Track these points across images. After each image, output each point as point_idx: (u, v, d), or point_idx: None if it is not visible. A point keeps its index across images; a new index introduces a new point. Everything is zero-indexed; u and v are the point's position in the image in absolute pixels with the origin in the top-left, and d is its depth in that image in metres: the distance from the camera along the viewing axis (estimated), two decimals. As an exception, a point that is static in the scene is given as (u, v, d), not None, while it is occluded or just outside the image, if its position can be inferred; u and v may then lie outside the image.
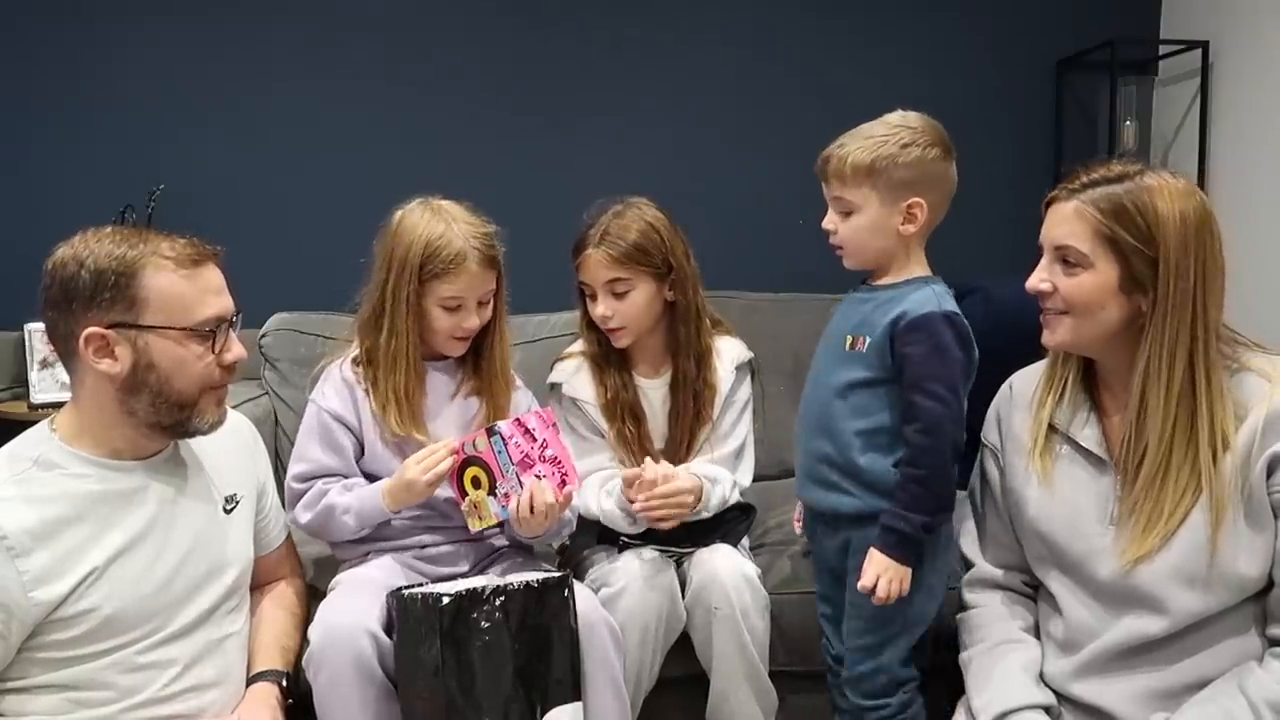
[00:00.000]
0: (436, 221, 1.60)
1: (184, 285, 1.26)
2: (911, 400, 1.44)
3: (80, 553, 1.23)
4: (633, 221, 1.72)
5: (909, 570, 1.43)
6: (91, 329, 1.23)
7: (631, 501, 1.63)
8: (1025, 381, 1.45)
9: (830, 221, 1.51)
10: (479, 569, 1.68)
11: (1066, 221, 1.27)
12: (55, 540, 1.22)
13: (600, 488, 1.73)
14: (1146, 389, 1.25)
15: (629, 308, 1.72)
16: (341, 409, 1.65)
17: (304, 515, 1.62)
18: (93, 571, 1.23)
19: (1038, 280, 1.31)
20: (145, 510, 1.30)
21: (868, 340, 1.47)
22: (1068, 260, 1.28)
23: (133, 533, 1.28)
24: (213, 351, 1.29)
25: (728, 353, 1.82)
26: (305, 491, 1.62)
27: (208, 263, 1.30)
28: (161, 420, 1.29)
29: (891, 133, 1.45)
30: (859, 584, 1.44)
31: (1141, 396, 1.25)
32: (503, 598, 1.43)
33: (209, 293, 1.29)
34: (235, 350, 1.32)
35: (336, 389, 1.66)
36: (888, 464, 1.47)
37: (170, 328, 1.25)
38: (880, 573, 1.42)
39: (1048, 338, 1.34)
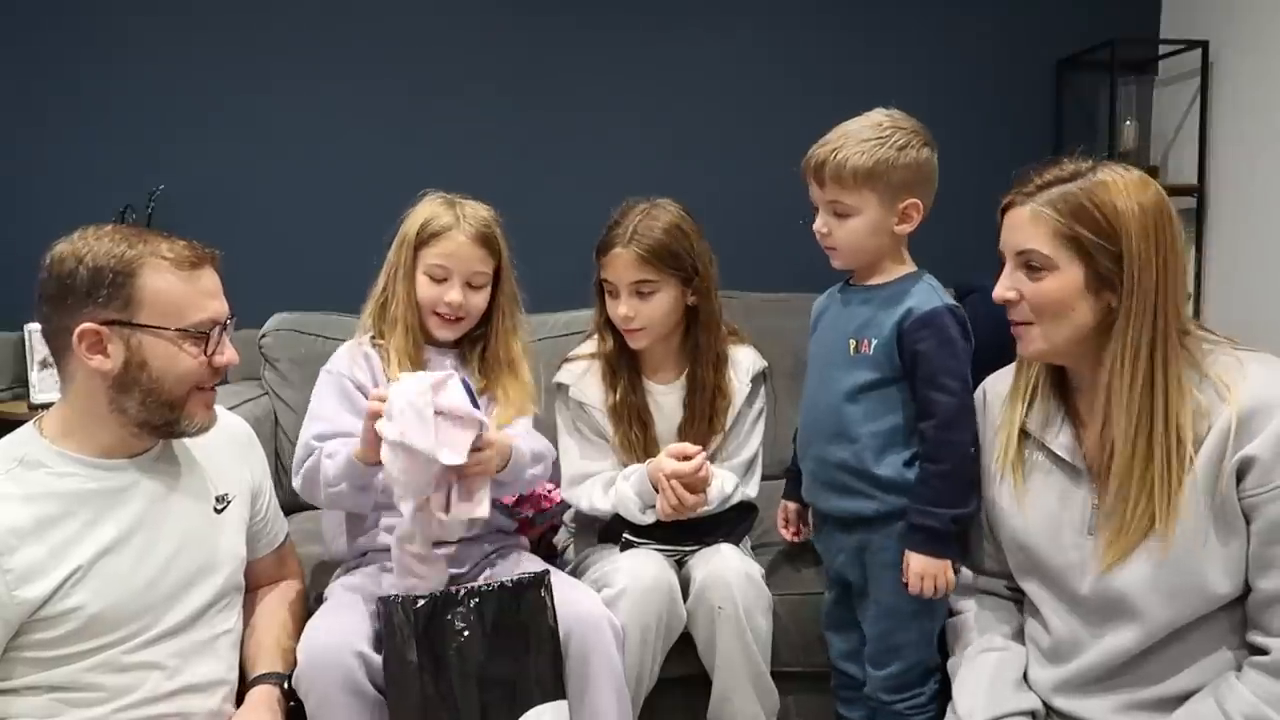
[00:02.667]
0: (443, 205, 1.68)
1: (181, 287, 1.27)
2: (926, 396, 1.45)
3: (65, 551, 1.23)
4: (662, 223, 1.71)
5: (948, 563, 1.44)
6: (86, 324, 1.23)
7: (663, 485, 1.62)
8: (996, 383, 1.45)
9: (824, 224, 1.50)
10: (476, 570, 1.67)
11: (1025, 226, 1.26)
12: (40, 538, 1.22)
13: (608, 488, 1.73)
14: (1111, 388, 1.23)
15: (652, 309, 1.71)
16: (363, 378, 1.66)
17: (296, 480, 1.59)
18: (78, 570, 1.23)
19: (1003, 290, 1.30)
20: (132, 508, 1.29)
21: (874, 342, 1.48)
22: (1031, 265, 1.26)
23: (119, 531, 1.27)
24: (204, 354, 1.29)
25: (743, 362, 1.82)
26: (312, 452, 1.58)
27: (205, 265, 1.30)
28: (151, 419, 1.29)
29: (885, 134, 1.45)
30: (908, 589, 1.45)
31: (1107, 396, 1.23)
32: (477, 599, 1.44)
33: (205, 295, 1.29)
34: (228, 354, 1.32)
35: (357, 361, 1.67)
36: (901, 462, 1.48)
37: (164, 328, 1.26)
38: (921, 572, 1.44)
39: (1022, 348, 1.32)
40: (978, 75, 2.89)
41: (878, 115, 1.49)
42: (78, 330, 1.23)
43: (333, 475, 1.53)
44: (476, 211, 1.68)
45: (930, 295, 1.48)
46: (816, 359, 1.59)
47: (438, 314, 1.66)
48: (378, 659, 1.41)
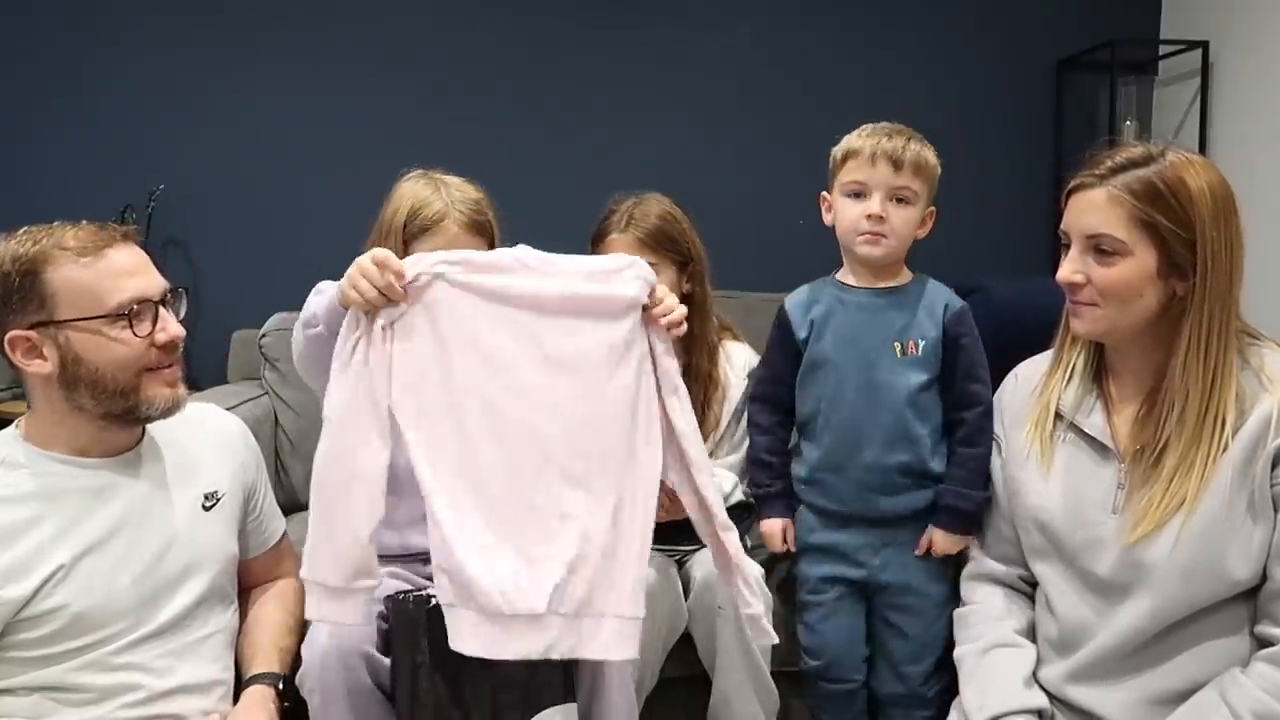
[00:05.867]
0: (426, 186, 1.60)
1: (88, 274, 1.23)
2: (967, 388, 1.52)
3: (46, 550, 1.23)
4: (656, 210, 1.74)
5: (970, 538, 1.53)
6: (13, 333, 1.22)
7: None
8: (1030, 369, 1.45)
9: (883, 208, 1.52)
10: None
11: (1099, 209, 1.23)
12: (21, 538, 1.22)
13: None
14: (1188, 377, 1.22)
15: None
16: None
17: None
18: (59, 569, 1.23)
19: (1070, 272, 1.27)
20: (114, 507, 1.29)
21: (921, 343, 1.53)
22: (1102, 249, 1.24)
23: (101, 530, 1.27)
24: (137, 334, 1.25)
25: (737, 357, 1.81)
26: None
27: (114, 245, 1.26)
28: (110, 410, 1.27)
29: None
30: (921, 552, 1.56)
31: (1182, 383, 1.22)
32: None
33: (119, 276, 1.25)
34: (170, 330, 1.28)
35: None
36: (946, 454, 1.55)
37: (85, 319, 1.23)
38: (945, 549, 1.54)
39: (1078, 325, 1.30)
40: (978, 75, 2.89)
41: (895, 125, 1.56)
42: (7, 340, 1.23)
43: (311, 313, 1.33)
44: (465, 194, 1.60)
45: (949, 292, 1.57)
46: (845, 366, 1.55)
47: None
48: (383, 660, 1.41)
